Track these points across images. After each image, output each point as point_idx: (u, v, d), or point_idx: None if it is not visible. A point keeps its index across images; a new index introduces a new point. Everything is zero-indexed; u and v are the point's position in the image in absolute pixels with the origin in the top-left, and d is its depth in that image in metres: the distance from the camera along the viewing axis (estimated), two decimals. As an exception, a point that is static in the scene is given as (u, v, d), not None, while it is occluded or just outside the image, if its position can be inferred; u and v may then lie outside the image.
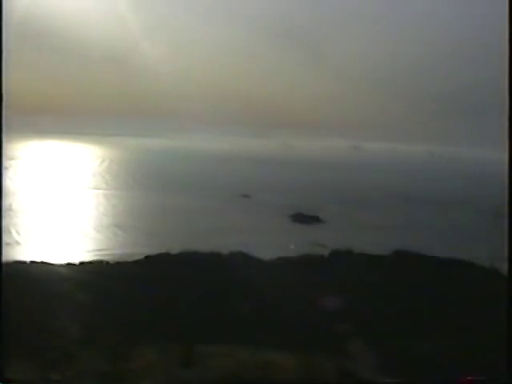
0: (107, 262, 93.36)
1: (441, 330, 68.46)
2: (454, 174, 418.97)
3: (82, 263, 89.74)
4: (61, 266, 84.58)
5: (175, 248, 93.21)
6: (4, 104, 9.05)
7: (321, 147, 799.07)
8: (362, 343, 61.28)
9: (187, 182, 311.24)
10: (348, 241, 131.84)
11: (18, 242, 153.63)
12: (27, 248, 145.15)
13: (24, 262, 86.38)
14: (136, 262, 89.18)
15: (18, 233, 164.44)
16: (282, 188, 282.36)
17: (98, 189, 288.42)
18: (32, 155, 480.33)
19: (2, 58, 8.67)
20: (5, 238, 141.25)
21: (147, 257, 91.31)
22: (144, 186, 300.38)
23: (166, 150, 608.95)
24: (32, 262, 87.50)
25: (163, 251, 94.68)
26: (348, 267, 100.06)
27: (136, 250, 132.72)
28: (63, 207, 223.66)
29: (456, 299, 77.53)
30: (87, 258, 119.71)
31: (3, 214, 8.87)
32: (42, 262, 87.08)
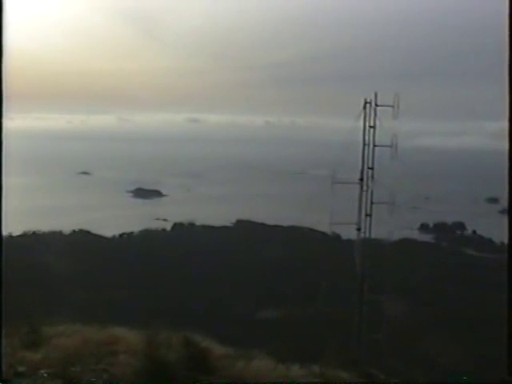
0: None
1: (288, 298, 70.22)
2: (291, 142, 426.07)
3: None
4: None
5: (16, 229, 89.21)
6: (4, 104, 8.61)
7: (158, 121, 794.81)
8: (209, 314, 61.97)
9: (23, 161, 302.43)
10: (190, 213, 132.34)
11: None
12: None
13: None
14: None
15: None
16: (122, 164, 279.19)
17: None
18: None
19: (1, 58, 8.25)
20: None
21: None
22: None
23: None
24: None
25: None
26: (191, 240, 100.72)
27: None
28: None
29: (300, 263, 79.61)
30: None
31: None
32: None
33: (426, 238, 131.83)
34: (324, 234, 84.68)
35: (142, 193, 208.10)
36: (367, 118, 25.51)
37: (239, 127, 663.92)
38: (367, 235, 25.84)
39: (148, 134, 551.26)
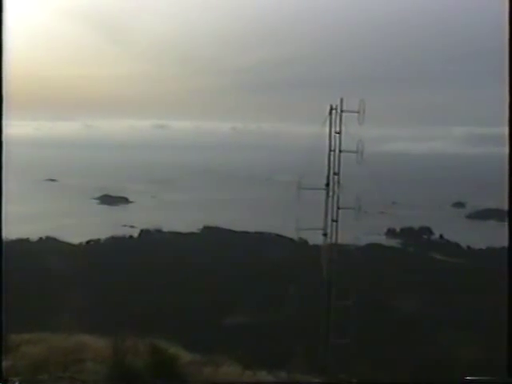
0: None
1: (255, 304, 70.24)
2: (257, 148, 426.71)
3: None
4: None
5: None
6: (4, 104, 8.54)
7: (124, 127, 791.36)
8: (176, 321, 61.82)
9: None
10: (157, 220, 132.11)
11: None
12: None
13: None
14: None
15: None
16: (88, 170, 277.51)
17: None
18: None
19: (1, 58, 8.19)
20: None
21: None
22: None
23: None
24: None
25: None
26: (158, 246, 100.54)
27: None
28: None
29: (268, 269, 79.74)
30: None
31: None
32: None
33: (393, 242, 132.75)
34: (291, 239, 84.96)
35: (108, 199, 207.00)
36: (333, 124, 25.67)
37: (205, 133, 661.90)
38: (334, 241, 25.99)
39: (114, 140, 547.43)
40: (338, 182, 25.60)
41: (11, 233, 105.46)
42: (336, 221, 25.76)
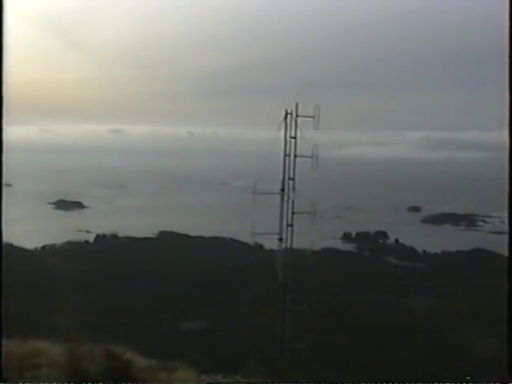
0: None
1: (211, 308, 70.27)
2: (213, 153, 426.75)
3: None
4: None
5: None
6: (4, 104, 8.40)
7: (81, 132, 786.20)
8: (132, 326, 61.57)
9: None
10: (113, 225, 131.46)
11: None
12: None
13: None
14: None
15: None
16: (44, 175, 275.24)
17: None
18: None
19: (2, 58, 8.05)
20: None
21: None
22: None
23: None
24: None
25: None
26: (114, 251, 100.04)
27: None
28: None
29: (224, 274, 79.79)
30: None
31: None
32: None
33: (349, 247, 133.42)
34: (247, 244, 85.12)
35: (63, 204, 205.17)
36: (288, 129, 25.78)
37: (162, 138, 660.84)
38: (289, 245, 26.09)
39: (70, 145, 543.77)
40: (293, 187, 25.68)
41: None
42: (291, 225, 25.84)
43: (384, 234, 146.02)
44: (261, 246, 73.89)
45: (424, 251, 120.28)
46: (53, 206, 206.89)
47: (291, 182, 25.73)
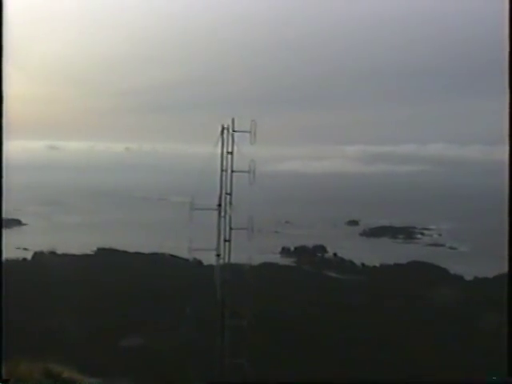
0: None
1: (150, 325, 69.84)
2: (152, 169, 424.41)
3: None
4: None
5: None
6: (4, 105, 8.23)
7: (17, 148, 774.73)
8: (70, 344, 60.88)
9: None
10: (51, 242, 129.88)
11: None
12: None
13: None
14: None
15: None
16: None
17: None
18: None
19: (1, 58, 7.89)
20: None
21: None
22: None
23: None
24: None
25: None
26: (52, 268, 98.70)
27: None
28: None
29: (162, 290, 79.33)
30: None
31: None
32: None
33: (287, 261, 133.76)
34: (185, 260, 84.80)
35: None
36: (225, 144, 25.84)
37: (99, 154, 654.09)
38: (227, 261, 26.11)
39: (6, 161, 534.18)
40: (230, 203, 25.76)
41: None
42: (229, 241, 25.91)
43: (323, 248, 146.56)
44: (199, 262, 73.74)
45: (362, 264, 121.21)
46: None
47: (228, 197, 25.81)
